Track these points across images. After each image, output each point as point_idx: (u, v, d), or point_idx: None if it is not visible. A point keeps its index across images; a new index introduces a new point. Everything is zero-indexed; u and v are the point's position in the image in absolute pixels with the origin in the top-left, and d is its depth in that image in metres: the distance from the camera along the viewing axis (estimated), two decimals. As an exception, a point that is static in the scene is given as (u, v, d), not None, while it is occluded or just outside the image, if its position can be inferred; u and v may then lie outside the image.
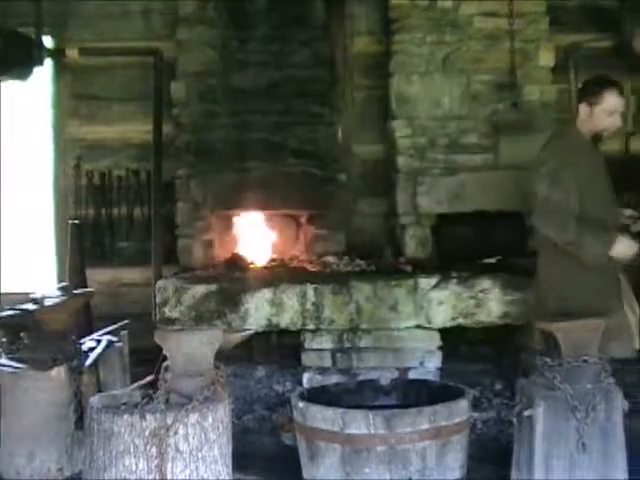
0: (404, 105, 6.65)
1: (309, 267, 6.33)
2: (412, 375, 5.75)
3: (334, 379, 5.56)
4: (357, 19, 6.97)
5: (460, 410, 4.03)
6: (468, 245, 6.48)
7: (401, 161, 6.64)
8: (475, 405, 5.43)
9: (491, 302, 5.87)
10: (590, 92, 4.83)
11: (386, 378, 4.71)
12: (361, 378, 5.37)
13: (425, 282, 5.87)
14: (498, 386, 6.28)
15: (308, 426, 4.02)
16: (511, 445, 4.44)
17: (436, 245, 6.63)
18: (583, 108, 4.82)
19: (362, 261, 6.39)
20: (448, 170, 6.64)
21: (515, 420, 4.37)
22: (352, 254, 6.57)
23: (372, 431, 3.85)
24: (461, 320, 5.89)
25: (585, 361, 4.27)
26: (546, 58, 6.68)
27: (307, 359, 5.91)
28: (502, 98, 6.64)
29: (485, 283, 5.88)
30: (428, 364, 5.86)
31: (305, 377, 5.87)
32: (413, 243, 6.63)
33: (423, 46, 6.59)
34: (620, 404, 4.26)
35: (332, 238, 6.76)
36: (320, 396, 4.27)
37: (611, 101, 4.76)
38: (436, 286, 5.86)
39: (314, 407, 4.03)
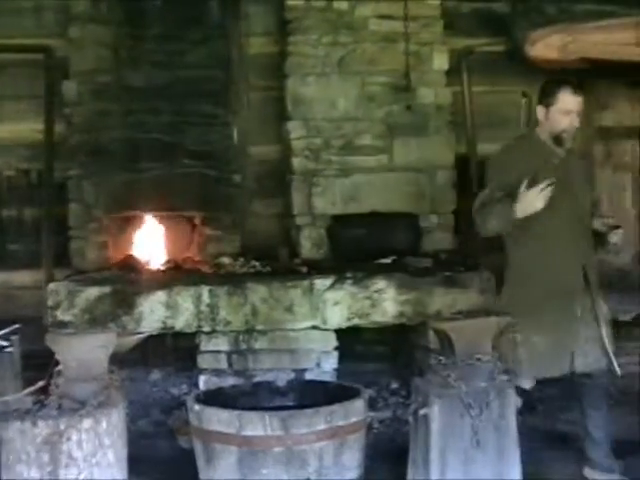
0: (299, 106, 6.66)
1: (204, 269, 6.28)
2: (308, 376, 5.75)
3: (230, 381, 5.54)
4: (253, 19, 6.94)
5: (356, 410, 4.04)
6: (363, 246, 6.52)
7: (296, 162, 6.65)
8: (371, 405, 5.49)
9: (386, 302, 5.91)
10: (545, 93, 4.75)
11: (282, 379, 4.70)
12: (257, 380, 5.35)
13: (320, 283, 5.88)
14: (394, 385, 6.35)
15: (204, 429, 3.98)
16: (408, 443, 4.48)
17: (331, 246, 6.65)
18: (540, 110, 4.74)
19: (257, 262, 6.36)
20: (343, 171, 6.68)
21: (411, 419, 4.40)
22: (247, 255, 6.53)
23: (269, 432, 3.84)
24: (357, 320, 5.91)
25: (479, 359, 4.34)
26: (440, 61, 6.78)
27: (203, 361, 5.85)
28: (397, 100, 6.71)
29: (380, 283, 5.92)
30: (324, 365, 5.86)
31: (201, 379, 5.81)
32: (308, 244, 6.65)
33: (319, 47, 6.61)
34: (513, 401, 4.35)
35: (227, 239, 6.72)
36: (216, 398, 4.24)
37: (565, 100, 4.64)
38: (331, 287, 5.88)
39: (210, 409, 4.00)
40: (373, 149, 6.72)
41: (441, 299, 5.94)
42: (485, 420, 4.22)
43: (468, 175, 6.74)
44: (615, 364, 4.68)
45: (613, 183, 7.62)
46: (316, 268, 6.19)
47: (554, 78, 4.98)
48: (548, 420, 5.99)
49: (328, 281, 5.88)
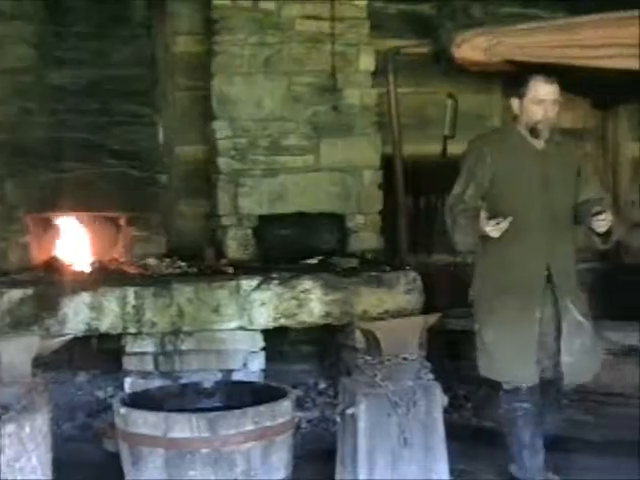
0: (225, 106, 6.62)
1: (129, 270, 6.22)
2: (236, 377, 5.73)
3: (157, 383, 5.48)
4: (179, 18, 6.88)
5: (284, 410, 4.04)
6: (290, 246, 6.54)
7: (222, 162, 6.61)
8: (299, 405, 5.51)
9: (313, 302, 5.92)
10: (518, 84, 4.62)
11: (209, 380, 4.69)
12: (184, 381, 5.30)
13: (247, 283, 5.86)
14: (322, 385, 6.37)
15: (130, 432, 3.94)
16: (336, 443, 4.49)
17: (258, 246, 6.64)
18: (514, 102, 4.62)
19: (184, 263, 6.32)
20: (269, 171, 6.66)
21: (338, 418, 4.43)
22: (173, 256, 6.49)
23: (196, 434, 3.81)
24: (283, 321, 5.91)
25: (405, 358, 4.38)
26: (366, 62, 6.80)
27: (129, 363, 5.79)
28: (323, 101, 6.71)
29: (306, 284, 5.93)
30: (251, 365, 5.85)
31: (127, 382, 5.75)
32: (235, 244, 6.62)
33: (245, 47, 6.58)
34: (440, 399, 4.39)
35: (153, 240, 6.67)
36: (142, 401, 4.19)
37: (537, 89, 4.51)
38: (258, 287, 5.87)
39: (136, 412, 3.95)
40: (299, 149, 6.72)
41: (367, 299, 5.98)
42: (412, 418, 4.27)
43: (394, 175, 6.77)
44: (565, 373, 4.52)
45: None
46: (242, 268, 6.18)
47: (527, 68, 4.90)
48: (475, 417, 6.06)
49: (254, 281, 5.87)
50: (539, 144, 4.61)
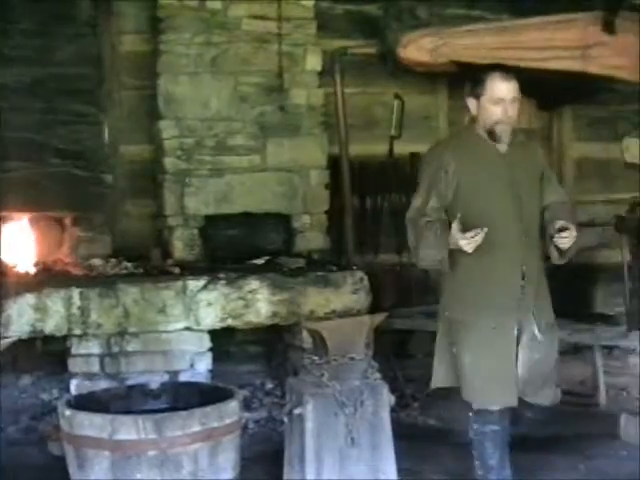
0: (171, 105, 6.58)
1: (74, 270, 6.15)
2: (182, 378, 5.69)
3: (103, 385, 5.42)
4: (125, 17, 6.81)
5: (231, 411, 4.03)
6: (236, 246, 6.53)
7: (168, 162, 6.57)
8: (246, 405, 5.50)
9: (260, 302, 5.91)
10: (474, 83, 4.25)
11: (156, 382, 4.66)
12: (130, 383, 5.27)
13: (193, 284, 5.83)
14: (269, 385, 6.37)
15: (76, 434, 3.90)
16: (283, 443, 4.49)
17: (204, 247, 6.61)
18: (471, 103, 4.27)
19: (129, 263, 6.26)
20: (216, 171, 6.64)
21: (286, 418, 4.43)
22: (119, 256, 6.43)
23: (142, 436, 3.79)
24: (230, 321, 5.89)
25: (352, 358, 4.39)
26: (313, 62, 6.80)
27: (74, 365, 5.72)
28: (270, 101, 6.70)
29: (253, 284, 5.91)
30: (198, 366, 5.81)
31: (72, 384, 5.68)
32: (181, 245, 6.58)
33: (191, 46, 6.54)
34: (387, 399, 4.40)
35: (98, 240, 6.60)
36: (88, 403, 4.15)
37: (494, 88, 4.15)
38: (204, 288, 5.84)
39: (81, 414, 3.92)
40: (246, 149, 6.70)
41: (314, 299, 5.97)
42: (359, 418, 4.28)
43: (341, 175, 6.78)
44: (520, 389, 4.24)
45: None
46: (189, 269, 6.15)
47: (483, 66, 4.61)
48: (422, 416, 6.10)
49: (201, 282, 5.84)
50: (502, 147, 4.27)
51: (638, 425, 5.35)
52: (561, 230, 4.09)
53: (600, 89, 7.40)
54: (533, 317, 4.25)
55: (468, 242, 3.93)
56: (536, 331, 4.24)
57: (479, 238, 3.93)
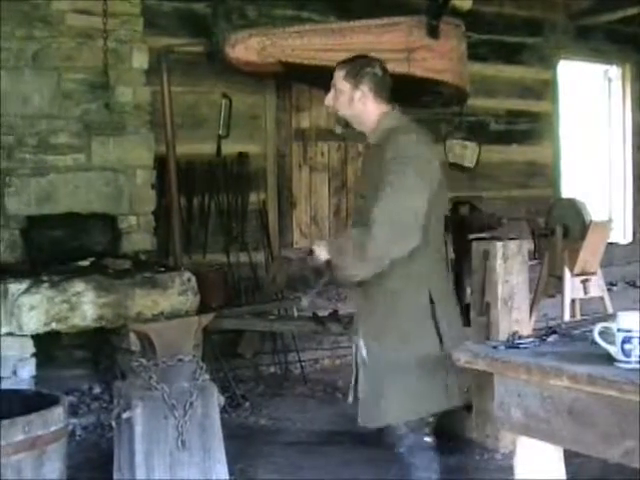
0: (-10, 102, 6.36)
1: None
2: (5, 385, 5.48)
3: None
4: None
5: (56, 418, 3.90)
6: (61, 248, 6.35)
7: (-12, 161, 6.35)
8: (73, 411, 5.37)
9: (85, 305, 5.75)
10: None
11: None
12: (-52, 391, 5.05)
13: (15, 287, 5.61)
14: (97, 390, 6.24)
15: None
16: (113, 449, 4.42)
17: (26, 248, 6.40)
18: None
19: (-54, 268, 6.03)
20: (38, 170, 6.44)
21: (114, 423, 4.35)
22: None
23: (-40, 447, 3.64)
24: (55, 325, 5.71)
25: (180, 360, 4.36)
26: (140, 60, 6.71)
27: None
28: (95, 98, 6.55)
29: (78, 286, 5.75)
30: (21, 373, 5.61)
31: None
32: (2, 247, 6.36)
33: (12, 40, 6.32)
34: (217, 400, 4.39)
35: None
36: None
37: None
38: (27, 291, 5.64)
39: None
40: (69, 148, 6.54)
41: (142, 301, 5.88)
42: (189, 420, 4.26)
43: (167, 175, 6.70)
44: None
45: (310, 183, 7.92)
46: (10, 271, 5.93)
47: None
48: (253, 416, 6.13)
49: (23, 285, 5.64)
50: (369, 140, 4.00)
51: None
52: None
53: (424, 91, 7.59)
54: (364, 337, 3.86)
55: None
56: (365, 354, 3.86)
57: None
